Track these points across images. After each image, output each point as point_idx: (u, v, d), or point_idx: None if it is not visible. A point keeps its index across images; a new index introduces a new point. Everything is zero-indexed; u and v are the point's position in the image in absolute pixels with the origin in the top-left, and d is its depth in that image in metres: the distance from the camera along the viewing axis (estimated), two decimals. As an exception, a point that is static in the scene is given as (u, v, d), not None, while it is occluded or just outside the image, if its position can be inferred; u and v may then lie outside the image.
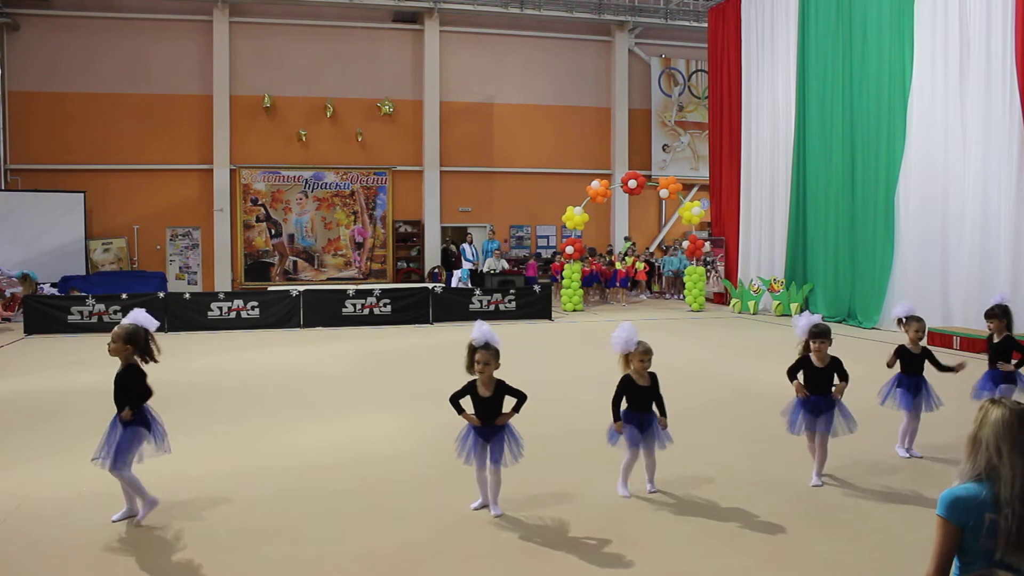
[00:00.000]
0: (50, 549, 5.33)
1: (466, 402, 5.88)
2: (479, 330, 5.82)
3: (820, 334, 6.49)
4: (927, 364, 7.30)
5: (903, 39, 16.61)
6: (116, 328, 5.75)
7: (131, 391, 5.68)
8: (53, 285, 21.01)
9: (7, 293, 20.17)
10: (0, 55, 24.39)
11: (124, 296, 17.33)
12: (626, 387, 6.19)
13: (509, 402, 5.90)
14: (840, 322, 18.10)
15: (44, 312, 17.12)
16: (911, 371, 7.32)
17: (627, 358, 6.20)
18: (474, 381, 5.84)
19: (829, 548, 5.39)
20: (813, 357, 6.53)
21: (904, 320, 7.36)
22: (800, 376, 6.61)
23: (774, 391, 10.43)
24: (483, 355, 5.76)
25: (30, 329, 16.90)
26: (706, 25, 25.19)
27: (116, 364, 5.72)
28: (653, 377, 6.25)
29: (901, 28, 16.67)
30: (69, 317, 17.07)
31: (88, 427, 7.92)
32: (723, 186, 23.51)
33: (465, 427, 5.91)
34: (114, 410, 5.68)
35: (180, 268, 26.03)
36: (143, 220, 25.60)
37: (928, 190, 16.14)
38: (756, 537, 5.56)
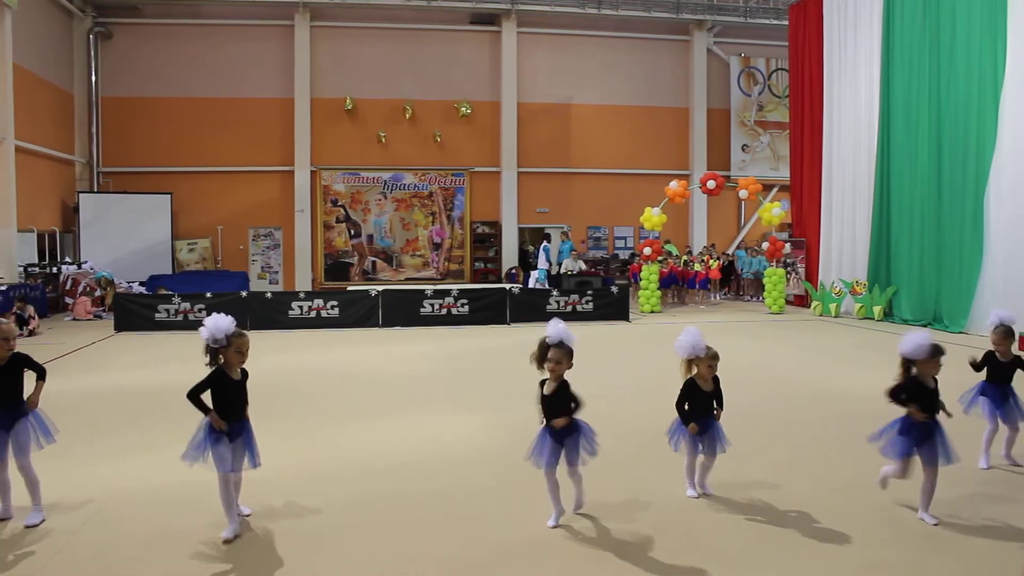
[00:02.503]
0: (138, 539, 5.48)
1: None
2: (555, 328, 5.70)
3: (940, 353, 5.81)
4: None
5: (995, 32, 16.02)
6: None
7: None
8: (142, 284, 21.65)
9: (97, 291, 20.85)
10: (94, 63, 25.26)
11: (208, 295, 17.75)
12: (690, 392, 6.09)
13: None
14: (925, 326, 17.62)
15: (133, 310, 17.63)
16: (995, 380, 6.99)
17: (692, 363, 6.07)
18: (544, 380, 5.73)
19: (904, 562, 5.23)
20: (924, 377, 5.84)
21: (993, 326, 6.99)
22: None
23: (853, 396, 10.22)
24: (556, 353, 5.62)
25: (119, 326, 17.43)
26: (786, 23, 24.78)
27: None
28: (716, 381, 6.12)
29: (993, 21, 16.08)
30: (156, 315, 17.55)
31: (175, 422, 8.15)
32: (804, 186, 23.08)
33: (541, 431, 5.77)
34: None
35: (262, 268, 26.57)
36: (227, 221, 26.23)
37: (1021, 189, 15.57)
38: (828, 546, 5.41)
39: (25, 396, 5.79)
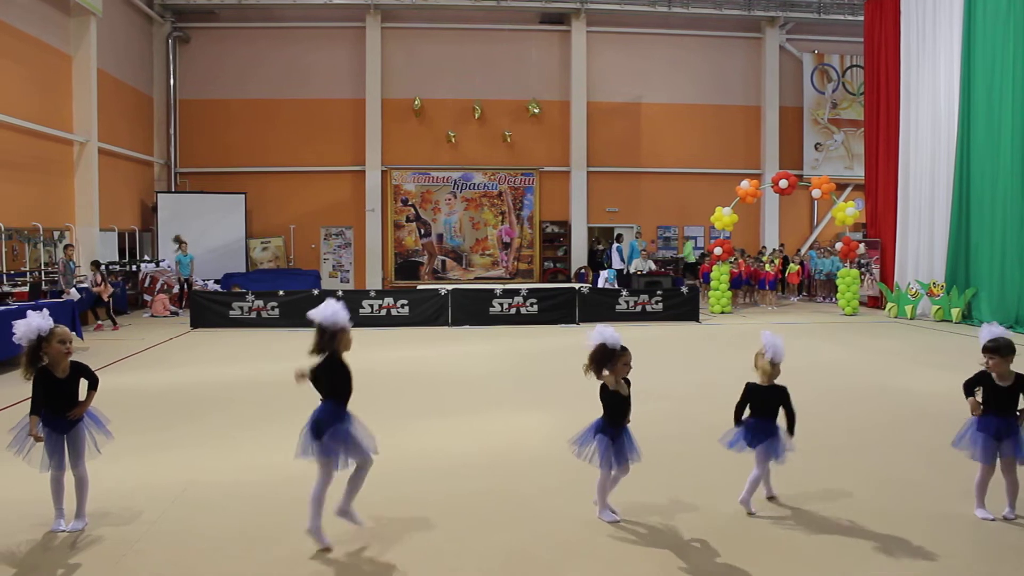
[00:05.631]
0: (211, 534, 5.61)
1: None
2: (609, 333, 5.73)
3: (994, 349, 5.68)
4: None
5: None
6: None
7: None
8: (216, 281, 22.11)
9: (175, 289, 21.35)
10: (172, 66, 25.89)
11: (281, 293, 18.04)
12: (751, 393, 5.93)
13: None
14: (1007, 328, 17.09)
15: (208, 307, 18.02)
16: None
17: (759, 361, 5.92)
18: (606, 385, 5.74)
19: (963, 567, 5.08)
20: (992, 374, 5.71)
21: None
22: (978, 394, 5.78)
23: (925, 399, 9.99)
24: (628, 355, 5.73)
25: (195, 323, 17.83)
26: (862, 18, 24.29)
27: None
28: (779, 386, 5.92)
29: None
30: (230, 312, 17.91)
31: (247, 417, 8.28)
32: (879, 185, 22.60)
33: (589, 430, 5.80)
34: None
35: (333, 266, 26.93)
36: (299, 220, 26.64)
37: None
38: (885, 549, 5.29)
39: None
